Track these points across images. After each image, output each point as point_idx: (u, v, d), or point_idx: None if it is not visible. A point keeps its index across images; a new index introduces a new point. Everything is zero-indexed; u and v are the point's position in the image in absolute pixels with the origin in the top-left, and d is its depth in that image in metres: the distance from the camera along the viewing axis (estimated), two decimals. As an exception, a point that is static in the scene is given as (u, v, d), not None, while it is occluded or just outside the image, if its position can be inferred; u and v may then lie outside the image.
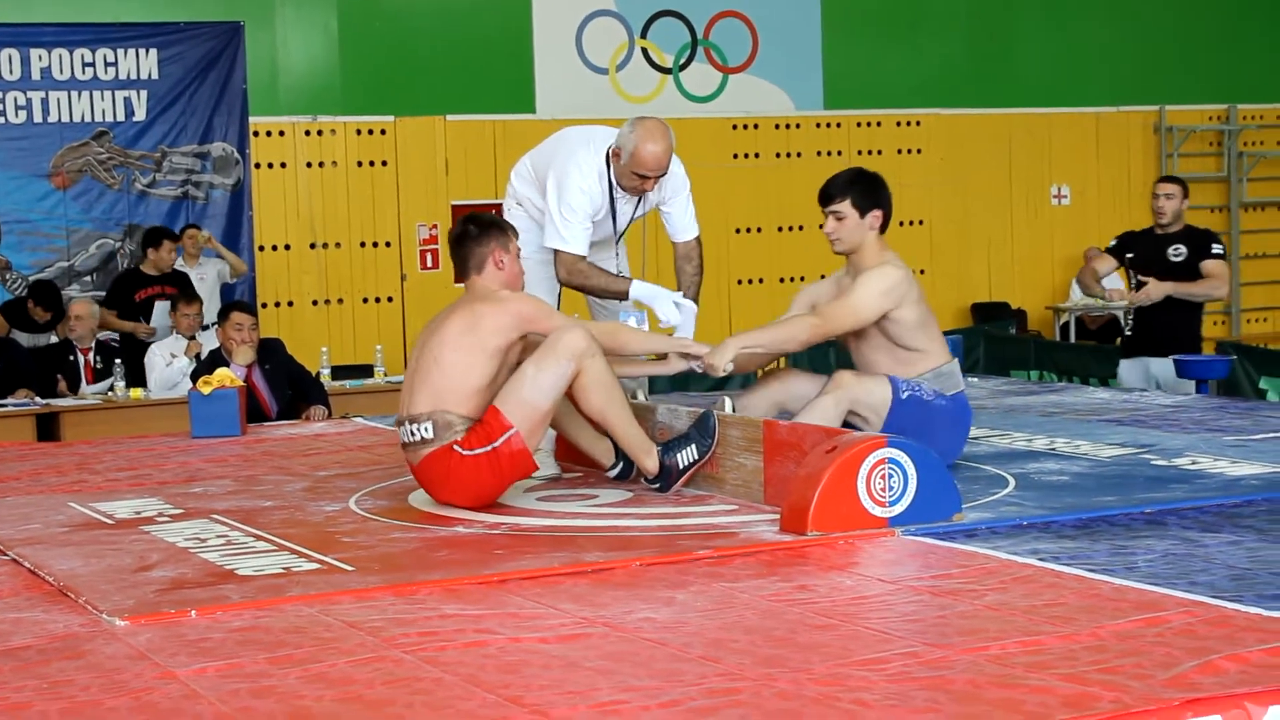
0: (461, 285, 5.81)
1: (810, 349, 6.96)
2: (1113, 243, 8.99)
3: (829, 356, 9.64)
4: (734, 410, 5.89)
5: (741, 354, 5.93)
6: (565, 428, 5.95)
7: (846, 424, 5.84)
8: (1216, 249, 8.65)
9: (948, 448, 5.92)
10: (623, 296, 6.26)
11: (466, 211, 5.96)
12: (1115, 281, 9.32)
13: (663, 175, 6.24)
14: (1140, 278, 8.78)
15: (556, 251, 6.26)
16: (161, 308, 11.54)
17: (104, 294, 12.16)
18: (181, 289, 11.63)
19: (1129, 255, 8.91)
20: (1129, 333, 8.94)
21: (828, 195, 6.13)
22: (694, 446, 5.70)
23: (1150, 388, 8.73)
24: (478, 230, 5.75)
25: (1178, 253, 8.64)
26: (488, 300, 5.62)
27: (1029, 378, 9.36)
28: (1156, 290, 8.53)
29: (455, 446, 5.48)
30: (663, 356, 6.07)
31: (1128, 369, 9.04)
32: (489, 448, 5.46)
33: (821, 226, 6.20)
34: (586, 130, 6.54)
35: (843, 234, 6.10)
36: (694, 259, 6.48)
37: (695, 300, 6.34)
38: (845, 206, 6.08)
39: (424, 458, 5.54)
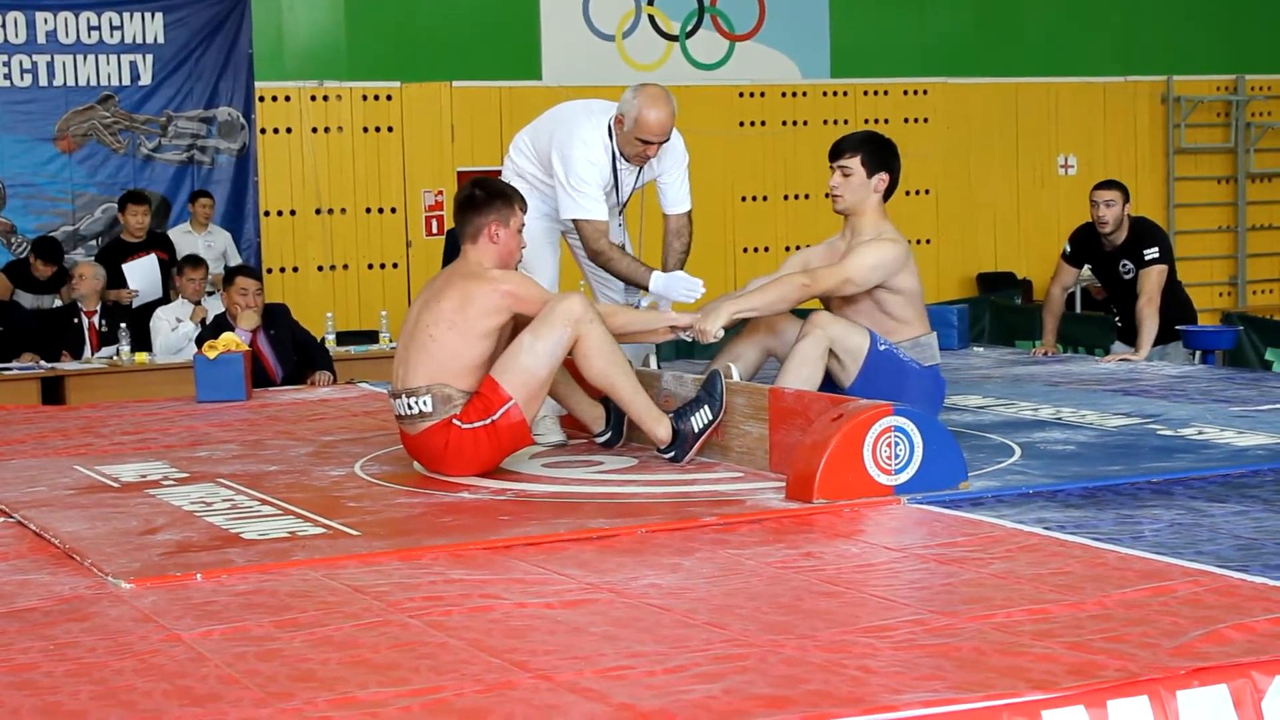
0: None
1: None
2: (1067, 249, 8.94)
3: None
4: (738, 376, 5.88)
5: (733, 320, 5.92)
6: (557, 392, 5.87)
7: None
8: (1150, 254, 8.57)
9: None
10: (643, 287, 6.23)
11: (472, 178, 5.89)
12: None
13: (665, 141, 6.23)
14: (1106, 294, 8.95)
15: (578, 225, 6.23)
16: (137, 265, 11.46)
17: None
18: (171, 252, 11.64)
19: (1089, 266, 8.96)
20: (1118, 324, 8.98)
21: (838, 150, 6.13)
22: (706, 408, 5.61)
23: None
24: (482, 198, 5.64)
25: (1126, 270, 8.62)
26: (478, 280, 5.52)
27: (1035, 347, 9.35)
28: (1140, 357, 8.48)
29: (454, 420, 5.45)
30: None
31: (1121, 349, 9.06)
32: (487, 421, 5.43)
33: (828, 194, 6.18)
34: (584, 103, 6.52)
35: (846, 191, 6.09)
36: (684, 235, 6.46)
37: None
38: (854, 163, 6.07)
39: (422, 431, 5.51)
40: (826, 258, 6.19)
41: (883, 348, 5.94)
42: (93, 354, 10.74)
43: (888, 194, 6.14)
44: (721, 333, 5.85)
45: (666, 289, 6.15)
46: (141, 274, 11.51)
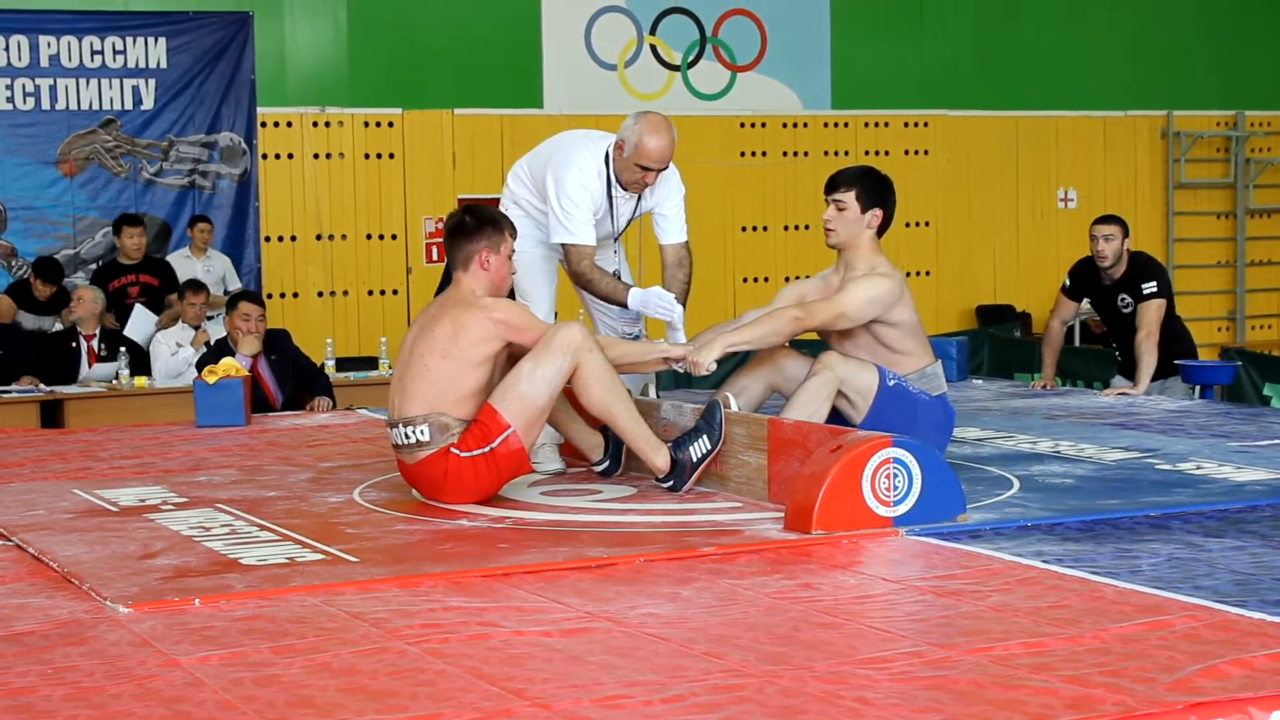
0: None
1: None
2: (1067, 282, 8.97)
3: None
4: (737, 407, 5.88)
5: (725, 353, 5.91)
6: (557, 420, 5.88)
7: (833, 408, 5.86)
8: (1148, 289, 8.60)
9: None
10: (623, 305, 6.25)
11: (462, 205, 5.90)
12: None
13: (664, 169, 6.25)
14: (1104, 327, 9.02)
15: (565, 248, 6.26)
16: (136, 320, 11.40)
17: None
18: (163, 278, 11.63)
19: (1087, 300, 8.99)
20: (1118, 357, 9.02)
21: (834, 183, 6.14)
22: (705, 438, 5.62)
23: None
24: (472, 225, 5.66)
25: (1125, 304, 8.65)
26: (470, 308, 5.54)
27: (1033, 380, 9.36)
28: (1139, 391, 8.50)
29: (452, 449, 5.45)
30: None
31: (1120, 383, 9.07)
32: (486, 449, 5.44)
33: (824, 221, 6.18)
34: (585, 131, 6.56)
35: (839, 225, 6.10)
36: (685, 266, 6.47)
37: (683, 305, 6.32)
38: (849, 197, 6.07)
39: (420, 460, 5.51)
40: (820, 291, 6.19)
41: (892, 383, 5.94)
42: (89, 373, 10.73)
43: (881, 230, 6.13)
44: (714, 365, 5.83)
45: (643, 304, 6.17)
46: (138, 325, 11.43)
